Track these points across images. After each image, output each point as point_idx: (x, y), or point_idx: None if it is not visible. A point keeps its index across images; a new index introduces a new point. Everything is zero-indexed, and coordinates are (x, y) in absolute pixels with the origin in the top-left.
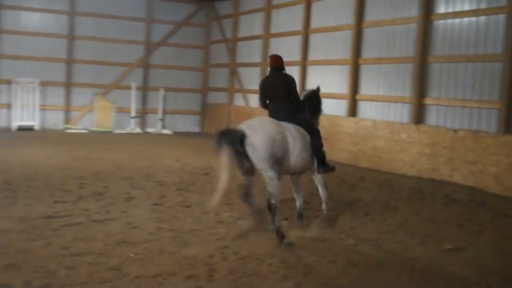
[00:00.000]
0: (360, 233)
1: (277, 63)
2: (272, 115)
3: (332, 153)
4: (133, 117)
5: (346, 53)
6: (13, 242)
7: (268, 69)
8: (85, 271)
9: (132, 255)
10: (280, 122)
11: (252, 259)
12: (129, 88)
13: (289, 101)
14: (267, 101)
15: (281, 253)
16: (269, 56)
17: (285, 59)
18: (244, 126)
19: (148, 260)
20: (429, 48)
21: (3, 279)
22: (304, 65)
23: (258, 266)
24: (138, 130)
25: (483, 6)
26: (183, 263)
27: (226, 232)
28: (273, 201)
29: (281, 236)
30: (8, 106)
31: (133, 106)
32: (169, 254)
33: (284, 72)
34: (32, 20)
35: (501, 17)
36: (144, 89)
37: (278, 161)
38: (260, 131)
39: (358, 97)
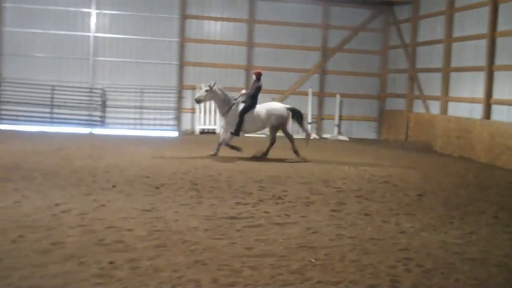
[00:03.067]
0: None
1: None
2: None
3: None
4: (309, 123)
5: None
6: (200, 239)
7: None
8: (267, 272)
9: (313, 260)
10: None
11: (438, 273)
12: (305, 94)
13: None
14: None
15: (469, 268)
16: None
17: (469, 64)
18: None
19: (329, 266)
20: None
21: (192, 274)
22: (490, 70)
23: (444, 281)
24: (314, 135)
25: None
26: (364, 272)
27: (409, 243)
28: None
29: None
30: (192, 111)
31: (310, 111)
32: (350, 261)
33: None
34: (214, 28)
35: None
36: (321, 95)
37: None
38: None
39: None
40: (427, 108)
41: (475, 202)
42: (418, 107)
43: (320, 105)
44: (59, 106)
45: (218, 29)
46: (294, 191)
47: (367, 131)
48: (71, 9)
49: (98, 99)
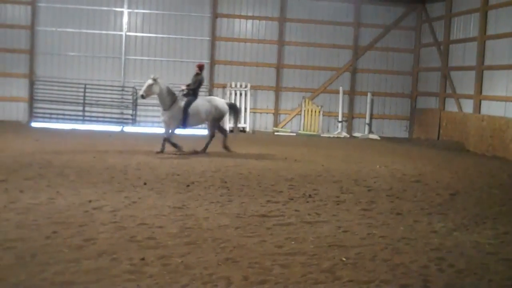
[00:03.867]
0: None
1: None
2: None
3: None
4: (340, 121)
5: None
6: (230, 237)
7: None
8: (298, 271)
9: (344, 259)
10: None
11: (471, 274)
12: (336, 92)
13: None
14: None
15: (503, 269)
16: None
17: (503, 62)
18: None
19: (360, 265)
20: None
21: (222, 271)
22: None
23: (478, 282)
24: (344, 134)
25: None
26: (396, 272)
27: (441, 243)
28: None
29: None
30: None
31: (340, 110)
32: (382, 261)
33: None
34: (245, 27)
35: None
36: (351, 94)
37: None
38: None
39: None
40: (459, 106)
41: (509, 202)
42: (451, 106)
43: (351, 103)
44: (91, 104)
45: (249, 28)
46: (324, 189)
47: (398, 130)
48: (104, 8)
49: (130, 97)
